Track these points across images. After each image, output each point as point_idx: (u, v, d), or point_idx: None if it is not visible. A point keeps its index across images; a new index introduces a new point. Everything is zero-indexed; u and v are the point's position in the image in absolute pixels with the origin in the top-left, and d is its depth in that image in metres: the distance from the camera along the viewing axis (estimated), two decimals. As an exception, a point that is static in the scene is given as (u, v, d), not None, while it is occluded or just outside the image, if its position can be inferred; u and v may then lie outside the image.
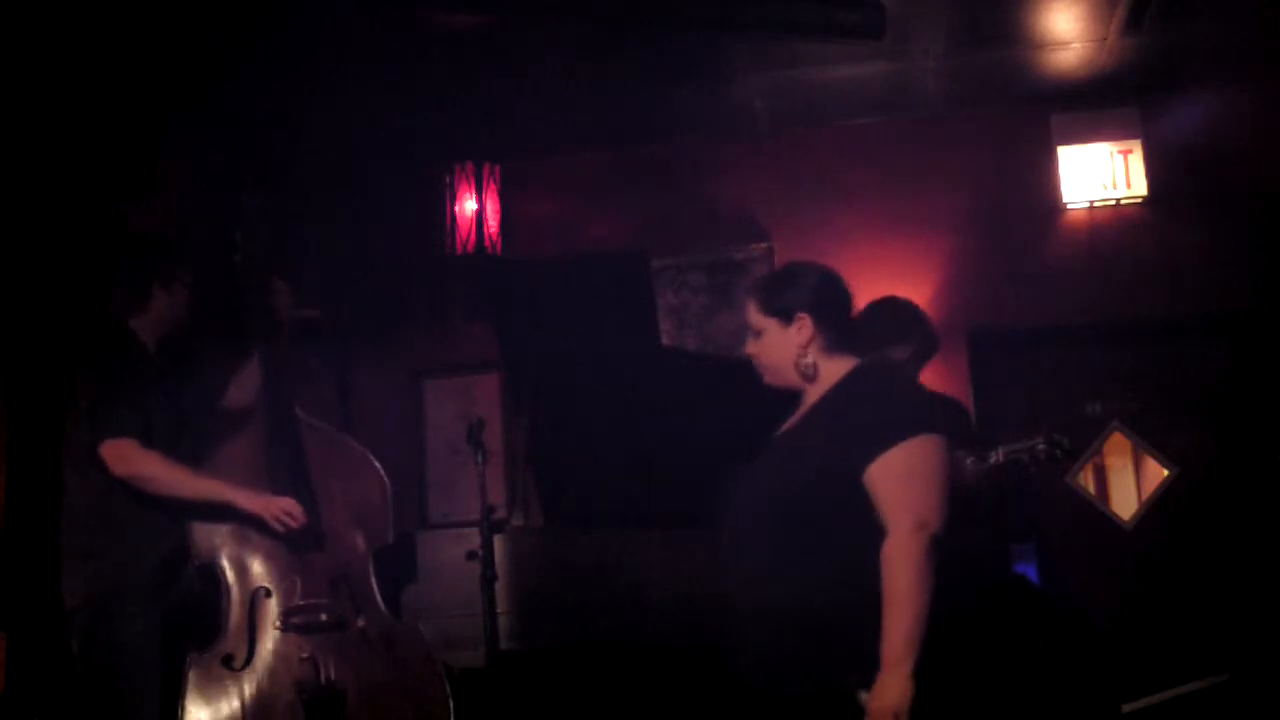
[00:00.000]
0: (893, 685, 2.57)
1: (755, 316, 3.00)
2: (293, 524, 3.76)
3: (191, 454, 3.83)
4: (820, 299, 2.99)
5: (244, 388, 4.03)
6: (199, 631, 3.69)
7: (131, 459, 3.70)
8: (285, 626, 3.72)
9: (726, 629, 2.85)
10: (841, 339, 2.98)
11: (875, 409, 2.80)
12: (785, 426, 2.97)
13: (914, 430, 2.73)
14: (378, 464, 4.08)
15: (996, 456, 4.19)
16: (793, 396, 3.01)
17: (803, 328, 2.94)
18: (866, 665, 2.61)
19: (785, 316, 2.96)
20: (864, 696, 2.61)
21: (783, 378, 2.99)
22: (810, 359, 2.94)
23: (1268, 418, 5.47)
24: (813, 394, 2.95)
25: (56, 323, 4.45)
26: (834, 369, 2.94)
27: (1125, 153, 5.68)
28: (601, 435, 4.56)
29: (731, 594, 2.85)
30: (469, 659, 4.07)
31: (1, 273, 4.46)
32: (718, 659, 2.92)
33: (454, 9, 4.81)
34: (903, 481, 2.69)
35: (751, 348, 3.02)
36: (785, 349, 2.96)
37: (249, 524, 3.77)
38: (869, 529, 2.68)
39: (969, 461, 4.17)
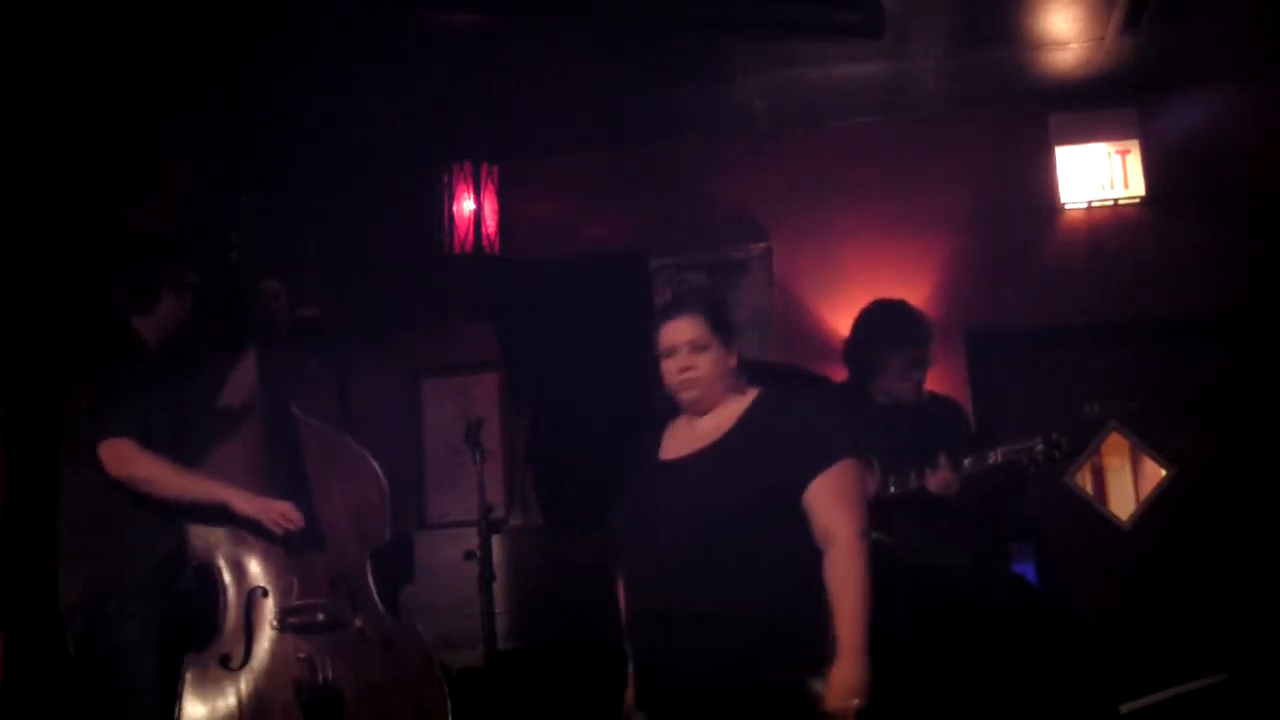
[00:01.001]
0: (855, 669, 2.82)
1: (702, 332, 3.11)
2: (290, 527, 3.76)
3: (190, 453, 3.84)
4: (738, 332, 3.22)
5: (239, 386, 4.03)
6: (196, 632, 3.69)
7: (129, 460, 3.70)
8: (282, 626, 3.73)
9: (654, 636, 2.97)
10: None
11: (807, 434, 3.02)
12: (693, 449, 3.08)
13: (844, 454, 2.99)
14: (375, 463, 4.09)
15: (995, 457, 4.19)
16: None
17: (734, 354, 3.14)
18: (812, 657, 2.85)
19: (727, 339, 3.14)
20: (817, 684, 2.82)
21: (709, 396, 3.12)
22: (737, 382, 3.14)
23: (1268, 418, 5.47)
24: (716, 420, 3.09)
25: (56, 322, 4.45)
26: (742, 397, 3.13)
27: (1123, 153, 5.67)
28: (601, 435, 4.56)
29: (653, 603, 2.97)
30: (467, 658, 4.09)
31: (1, 272, 4.47)
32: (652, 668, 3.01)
33: (454, 9, 4.81)
34: (842, 497, 2.96)
35: (688, 360, 3.10)
36: (722, 369, 3.12)
37: (245, 527, 3.78)
38: (800, 538, 2.93)
39: (967, 462, 4.18)
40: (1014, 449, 4.20)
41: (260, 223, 4.20)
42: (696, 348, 3.09)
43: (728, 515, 2.91)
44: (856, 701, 2.78)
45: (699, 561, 2.90)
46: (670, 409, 3.23)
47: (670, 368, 3.12)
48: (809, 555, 2.92)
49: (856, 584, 2.88)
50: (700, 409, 3.13)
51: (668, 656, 2.94)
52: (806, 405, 3.18)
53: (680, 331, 3.11)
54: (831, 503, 2.93)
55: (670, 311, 3.17)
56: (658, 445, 3.20)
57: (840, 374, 4.77)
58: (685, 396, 3.12)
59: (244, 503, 3.76)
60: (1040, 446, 4.18)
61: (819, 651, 2.84)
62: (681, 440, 3.14)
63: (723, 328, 3.13)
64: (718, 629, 2.85)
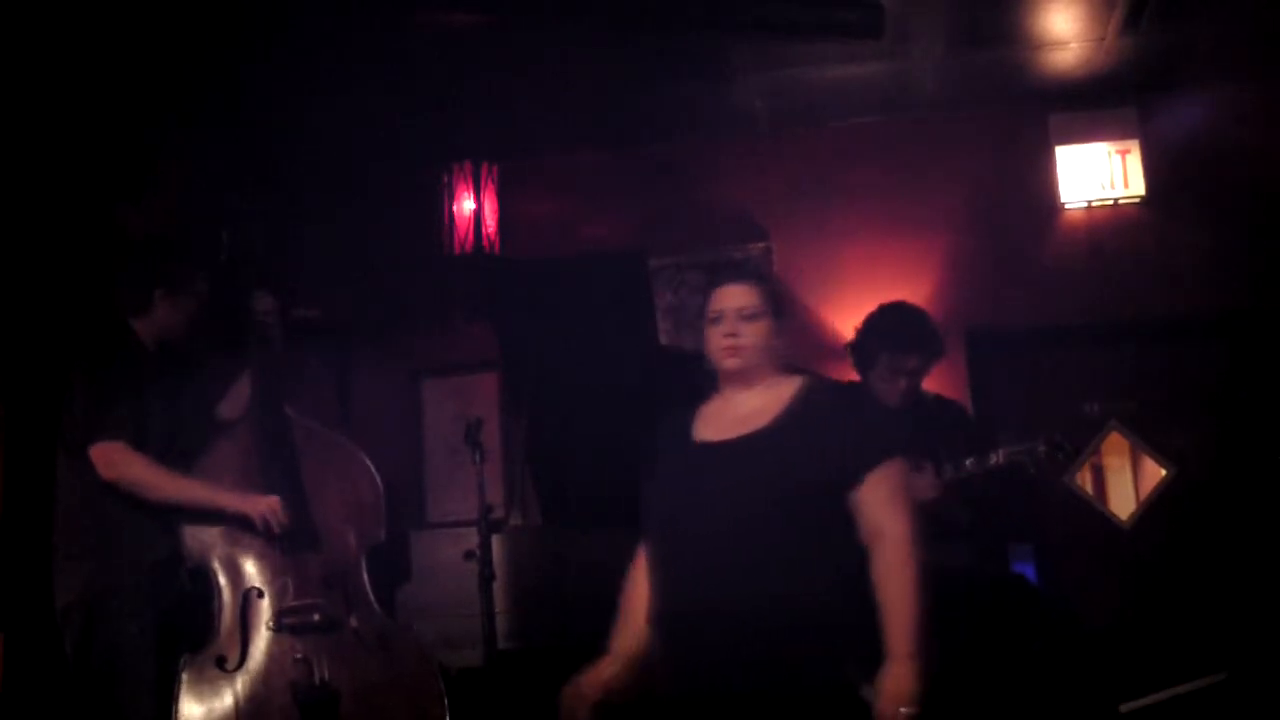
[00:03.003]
0: (908, 675, 2.68)
1: (753, 300, 3.00)
2: (274, 525, 3.77)
3: (186, 456, 3.85)
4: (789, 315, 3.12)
5: (234, 401, 4.05)
6: (192, 633, 3.70)
7: (120, 463, 3.71)
8: (278, 627, 3.73)
9: (693, 628, 2.83)
10: None
11: (862, 427, 2.93)
12: (739, 431, 2.94)
13: (897, 451, 2.91)
14: (369, 462, 4.09)
15: (997, 458, 4.17)
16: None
17: (782, 333, 3.04)
18: (863, 660, 2.71)
19: (778, 316, 3.04)
20: (868, 690, 2.68)
21: (751, 369, 2.99)
22: (782, 364, 3.03)
23: (1268, 418, 5.46)
24: (761, 401, 2.97)
25: (55, 323, 4.45)
26: (787, 380, 3.01)
27: (1123, 153, 5.67)
28: (600, 435, 4.56)
29: (691, 593, 2.84)
30: (467, 658, 4.08)
31: (1, 273, 4.47)
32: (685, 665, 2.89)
33: (454, 9, 4.81)
34: (894, 495, 2.85)
35: (734, 327, 2.98)
36: (768, 343, 3.01)
37: (238, 526, 3.78)
38: (846, 534, 2.82)
39: (969, 463, 4.16)
40: (1016, 450, 4.17)
41: (259, 223, 4.19)
42: (745, 316, 2.97)
43: (778, 504, 2.78)
44: (908, 710, 2.63)
45: (745, 551, 2.77)
46: (708, 386, 3.08)
47: (715, 334, 2.99)
48: (855, 554, 2.79)
49: (907, 583, 2.75)
50: (741, 382, 3.00)
51: (708, 652, 2.79)
52: (858, 397, 3.13)
53: (731, 297, 2.99)
54: (884, 499, 2.82)
55: (723, 278, 3.06)
56: (690, 426, 3.05)
57: (840, 374, 4.76)
58: (727, 365, 2.98)
59: (233, 502, 3.77)
60: (1043, 448, 4.15)
61: (869, 655, 2.71)
62: (721, 422, 3.00)
63: (775, 302, 3.03)
64: (767, 625, 2.73)
